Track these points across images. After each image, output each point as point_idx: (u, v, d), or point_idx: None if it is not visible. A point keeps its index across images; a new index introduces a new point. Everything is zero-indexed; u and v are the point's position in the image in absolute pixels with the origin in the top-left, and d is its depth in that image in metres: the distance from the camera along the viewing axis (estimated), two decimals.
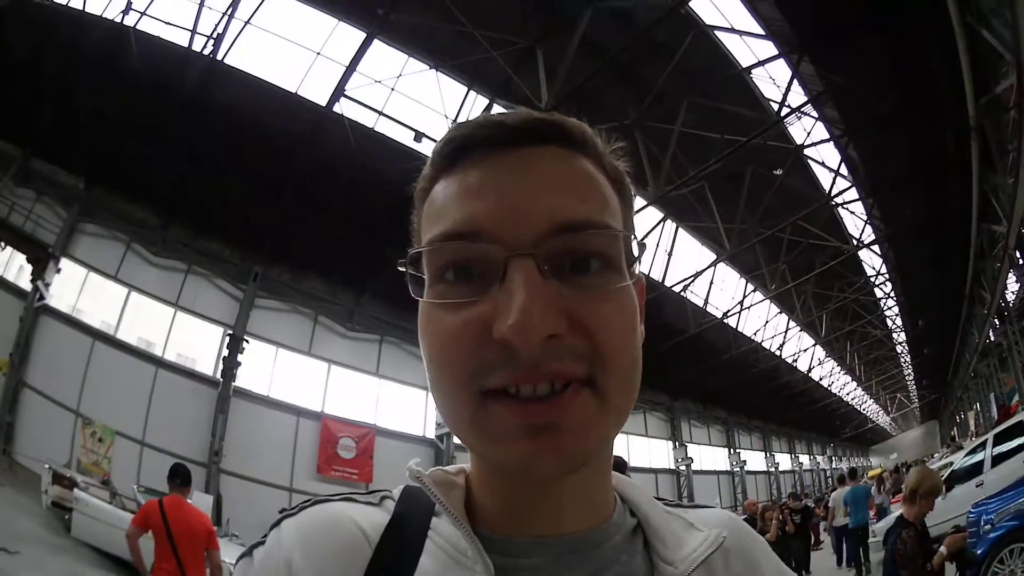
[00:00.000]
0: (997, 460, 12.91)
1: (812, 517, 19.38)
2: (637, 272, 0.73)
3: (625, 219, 0.74)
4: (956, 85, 12.41)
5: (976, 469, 13.41)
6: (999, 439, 13.34)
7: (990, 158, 14.03)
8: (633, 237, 0.71)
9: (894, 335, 39.97)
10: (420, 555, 0.69)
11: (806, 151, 20.16)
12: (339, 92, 15.40)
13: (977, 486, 12.75)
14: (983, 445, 13.90)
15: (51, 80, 14.78)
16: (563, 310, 0.62)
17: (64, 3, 14.48)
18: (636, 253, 0.72)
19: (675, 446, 33.69)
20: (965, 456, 14.83)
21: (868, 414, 57.57)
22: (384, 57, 16.02)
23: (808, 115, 18.33)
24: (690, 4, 13.91)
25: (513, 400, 0.62)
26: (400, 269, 0.70)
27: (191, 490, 6.79)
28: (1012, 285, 21.35)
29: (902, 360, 45.42)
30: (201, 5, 14.70)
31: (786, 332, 34.15)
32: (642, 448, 32.01)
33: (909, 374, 48.43)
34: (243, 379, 18.65)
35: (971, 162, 14.56)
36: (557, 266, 0.64)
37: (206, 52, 14.94)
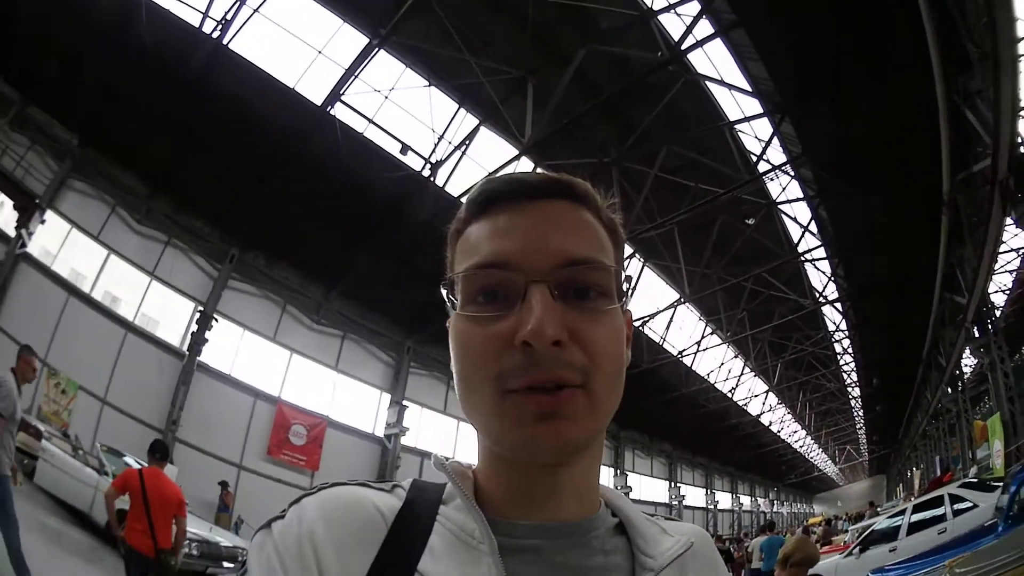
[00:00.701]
0: (913, 528, 13.27)
1: (732, 559, 20.02)
2: (627, 305, 0.90)
3: (617, 259, 0.91)
4: (934, 157, 12.75)
5: (894, 534, 13.75)
6: (918, 509, 13.74)
7: (960, 231, 14.36)
8: (623, 273, 0.88)
9: (849, 389, 40.05)
10: (430, 534, 0.81)
11: (779, 206, 20.58)
12: (335, 96, 15.77)
13: (891, 551, 13.17)
14: (903, 512, 14.25)
15: (58, 33, 14.74)
16: (566, 325, 0.78)
17: None
18: (625, 287, 0.88)
19: (616, 473, 33.94)
20: (887, 519, 15.16)
21: (815, 462, 57.59)
22: (382, 65, 16.23)
23: (786, 173, 18.76)
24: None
25: (528, 394, 0.77)
26: (442, 291, 0.87)
27: (167, 464, 7.63)
28: (967, 357, 21.60)
29: (855, 414, 45.66)
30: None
31: (740, 376, 34.39)
32: None
33: (860, 427, 48.68)
34: (208, 355, 18.92)
35: (940, 233, 14.92)
36: (564, 292, 0.80)
37: (213, 34, 15.08)
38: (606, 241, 0.90)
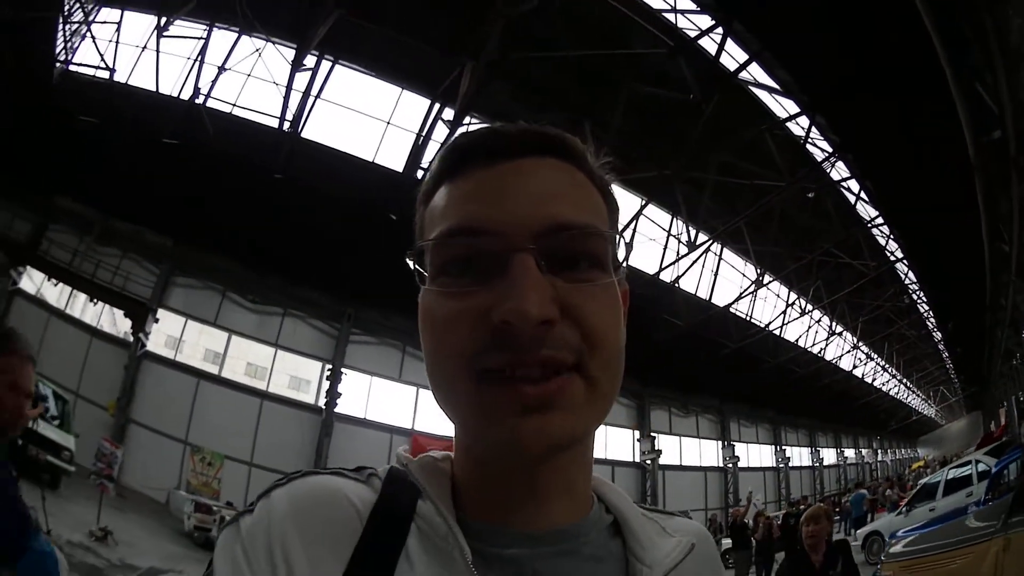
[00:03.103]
0: (949, 488, 14.13)
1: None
2: (622, 274, 0.80)
3: (612, 224, 0.82)
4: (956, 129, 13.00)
5: (934, 492, 14.60)
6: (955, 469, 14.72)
7: (994, 191, 14.67)
8: (619, 238, 0.78)
9: (933, 334, 39.94)
10: (407, 536, 0.72)
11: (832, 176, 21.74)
12: (415, 164, 17.46)
13: (930, 510, 13.76)
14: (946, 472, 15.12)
15: (127, 152, 15.96)
16: (556, 299, 0.68)
17: (128, 82, 16.25)
18: (621, 254, 0.78)
19: (723, 445, 34.61)
20: (932, 478, 15.95)
21: (913, 406, 56.64)
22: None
23: (831, 157, 20.02)
24: (720, 60, 15.47)
25: (509, 382, 0.67)
26: (408, 263, 0.76)
27: None
28: None
29: (942, 356, 45.12)
30: (289, 90, 16.21)
31: (828, 339, 35.39)
32: (693, 448, 33.24)
33: (951, 367, 47.87)
34: (343, 406, 21.02)
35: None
36: (552, 261, 0.70)
37: (285, 127, 16.53)
38: (599, 204, 0.81)
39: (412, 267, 0.76)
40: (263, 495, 0.75)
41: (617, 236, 0.79)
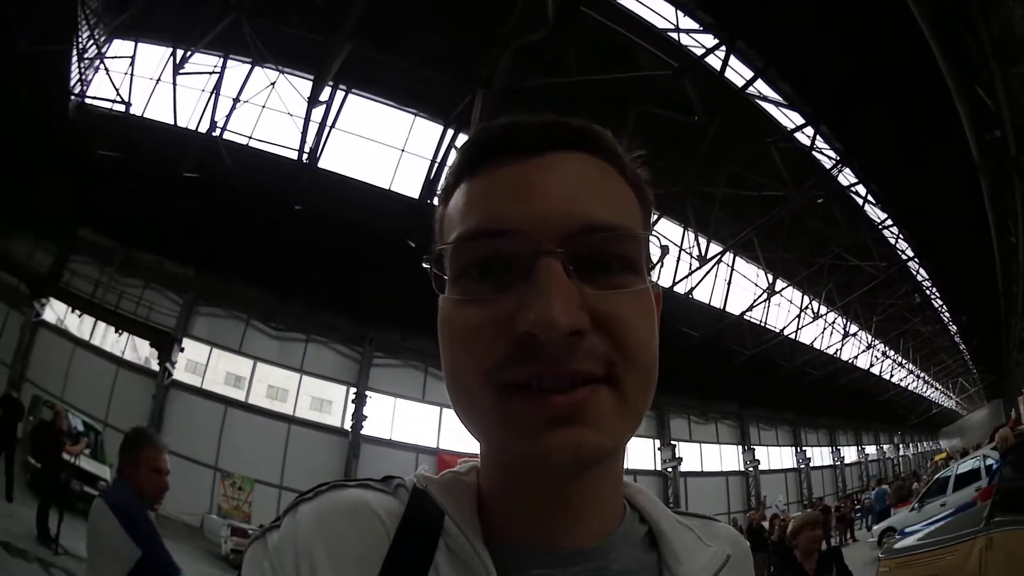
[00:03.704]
0: (960, 482, 14.22)
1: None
2: (657, 277, 0.77)
3: (645, 224, 0.78)
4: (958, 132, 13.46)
5: (945, 487, 14.69)
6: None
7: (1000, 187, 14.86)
8: (654, 241, 0.75)
9: (950, 327, 39.87)
10: (435, 552, 0.71)
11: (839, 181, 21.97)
12: (432, 192, 17.53)
13: (941, 505, 13.94)
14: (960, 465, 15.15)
15: (146, 185, 16.00)
16: (586, 307, 0.65)
17: (144, 115, 16.46)
18: (656, 257, 0.76)
19: (743, 449, 34.57)
20: (944, 472, 16.07)
21: (933, 399, 56.33)
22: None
23: (837, 164, 20.33)
24: (726, 75, 15.68)
25: (534, 393, 0.64)
26: (424, 267, 0.73)
27: None
28: None
29: (959, 348, 44.94)
30: (307, 125, 16.32)
31: (843, 340, 35.46)
32: (713, 454, 33.35)
33: (968, 359, 47.59)
34: (369, 427, 21.53)
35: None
36: (581, 266, 0.66)
37: (303, 159, 16.81)
38: (633, 203, 0.77)
39: (430, 272, 0.73)
40: (290, 509, 0.77)
41: (651, 237, 0.76)
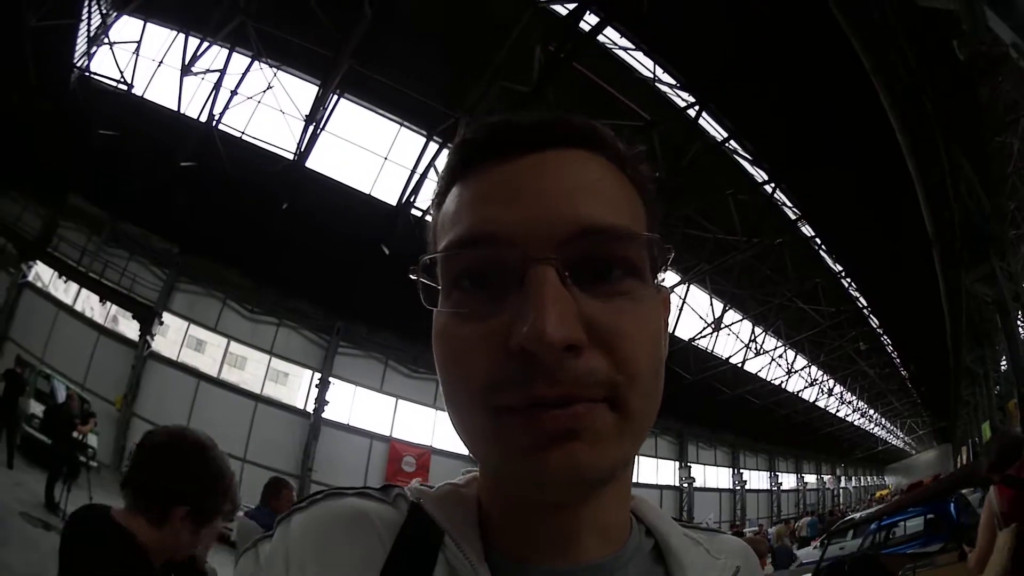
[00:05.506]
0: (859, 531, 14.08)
1: None
2: (662, 282, 0.71)
3: (649, 225, 0.70)
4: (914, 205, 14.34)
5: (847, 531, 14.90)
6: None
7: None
8: (659, 242, 0.67)
9: (901, 371, 40.37)
10: (434, 566, 0.67)
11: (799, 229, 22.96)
12: (409, 203, 18.55)
13: (840, 548, 13.67)
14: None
15: (142, 165, 16.35)
16: (583, 319, 0.59)
17: (145, 96, 16.86)
18: (661, 259, 0.68)
19: (680, 465, 35.68)
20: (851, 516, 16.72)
21: (880, 436, 56.74)
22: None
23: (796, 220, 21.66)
24: (700, 122, 16.40)
25: (529, 411, 0.58)
26: (412, 278, 0.67)
27: None
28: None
29: (910, 391, 44.83)
30: (306, 130, 17.01)
31: (787, 375, 36.27)
32: (651, 467, 34.25)
33: (918, 401, 47.38)
34: (329, 412, 22.74)
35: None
36: (578, 272, 0.61)
37: (292, 157, 17.44)
38: (634, 201, 0.70)
39: (418, 284, 0.68)
40: (283, 519, 0.73)
41: (656, 238, 0.67)
